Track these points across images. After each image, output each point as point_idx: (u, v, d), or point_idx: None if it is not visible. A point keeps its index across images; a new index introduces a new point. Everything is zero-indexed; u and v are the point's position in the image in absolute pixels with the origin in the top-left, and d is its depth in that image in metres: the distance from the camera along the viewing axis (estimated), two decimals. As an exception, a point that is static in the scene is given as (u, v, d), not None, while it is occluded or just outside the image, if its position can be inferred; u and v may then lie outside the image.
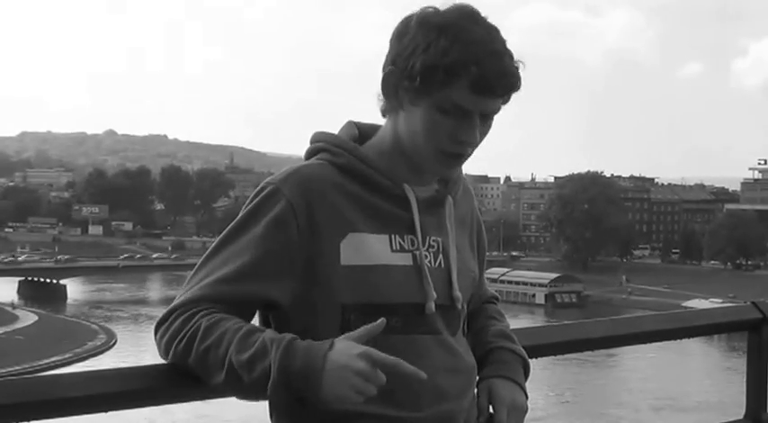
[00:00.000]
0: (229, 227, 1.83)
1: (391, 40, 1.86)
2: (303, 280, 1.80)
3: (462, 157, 1.86)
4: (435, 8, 1.84)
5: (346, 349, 1.65)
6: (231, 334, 1.69)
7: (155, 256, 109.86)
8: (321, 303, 1.80)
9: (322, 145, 1.91)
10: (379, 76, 1.88)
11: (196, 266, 1.82)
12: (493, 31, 1.81)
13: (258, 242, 1.79)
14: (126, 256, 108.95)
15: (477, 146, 1.85)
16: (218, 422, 31.68)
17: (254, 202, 1.83)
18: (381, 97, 1.89)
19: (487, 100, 1.80)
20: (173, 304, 1.79)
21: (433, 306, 1.85)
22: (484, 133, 1.85)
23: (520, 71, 1.82)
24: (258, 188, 1.85)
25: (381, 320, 1.69)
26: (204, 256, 1.83)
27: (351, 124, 1.97)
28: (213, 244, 1.83)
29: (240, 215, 1.84)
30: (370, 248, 1.82)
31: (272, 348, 1.65)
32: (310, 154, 1.93)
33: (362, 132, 1.95)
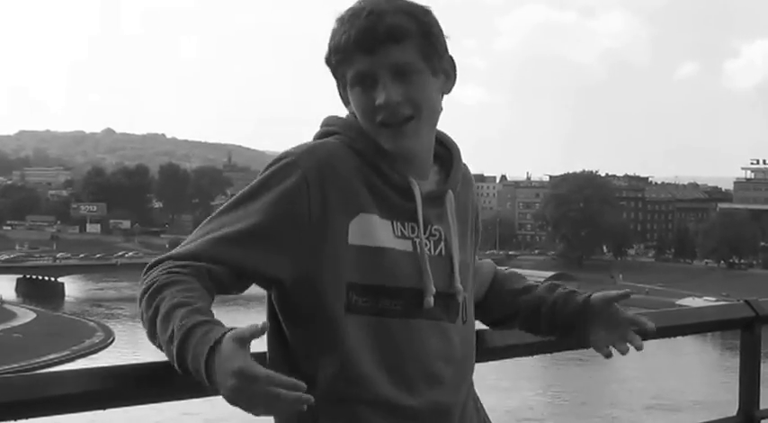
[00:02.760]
0: (242, 191, 1.83)
1: None
2: (309, 256, 1.79)
3: (397, 123, 1.85)
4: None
5: (225, 360, 1.55)
6: (164, 306, 1.66)
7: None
8: (326, 281, 1.79)
9: (336, 129, 1.92)
10: None
11: (203, 223, 1.82)
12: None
13: (266, 210, 1.78)
14: (120, 254, 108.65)
15: (404, 104, 1.83)
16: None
17: (269, 170, 1.82)
18: None
19: (374, 56, 1.82)
20: (167, 254, 1.78)
21: (431, 300, 1.87)
22: (411, 91, 1.84)
23: (402, 18, 1.83)
24: (276, 158, 1.84)
25: (264, 323, 1.57)
26: (212, 214, 1.83)
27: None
28: (224, 205, 1.83)
29: (254, 181, 1.83)
30: (376, 231, 1.83)
31: (175, 337, 1.62)
32: (321, 137, 1.92)
33: None
